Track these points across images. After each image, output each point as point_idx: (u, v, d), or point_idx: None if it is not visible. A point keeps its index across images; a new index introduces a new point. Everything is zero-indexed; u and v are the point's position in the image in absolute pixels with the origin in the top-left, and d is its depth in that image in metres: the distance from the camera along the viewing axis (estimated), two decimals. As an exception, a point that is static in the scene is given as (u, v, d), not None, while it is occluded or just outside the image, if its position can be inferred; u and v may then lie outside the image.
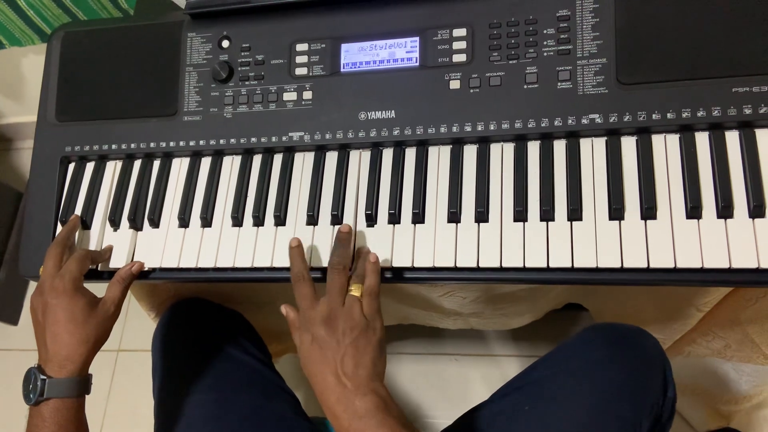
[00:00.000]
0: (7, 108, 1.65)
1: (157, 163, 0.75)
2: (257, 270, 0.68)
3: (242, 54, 0.73)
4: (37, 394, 0.62)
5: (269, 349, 0.94)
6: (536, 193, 0.62)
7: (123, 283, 0.69)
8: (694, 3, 0.61)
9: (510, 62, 0.65)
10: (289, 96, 0.71)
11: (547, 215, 0.61)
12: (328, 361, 0.57)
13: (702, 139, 0.60)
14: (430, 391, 1.28)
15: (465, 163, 0.65)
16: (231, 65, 0.73)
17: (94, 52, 0.77)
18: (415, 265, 0.63)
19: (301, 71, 0.71)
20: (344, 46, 0.70)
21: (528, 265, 0.60)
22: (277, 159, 0.71)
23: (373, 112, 0.68)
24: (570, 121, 0.62)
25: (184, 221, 0.71)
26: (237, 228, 0.70)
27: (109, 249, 0.72)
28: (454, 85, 0.66)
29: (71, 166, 0.78)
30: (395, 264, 0.64)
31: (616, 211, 0.59)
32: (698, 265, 0.56)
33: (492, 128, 0.64)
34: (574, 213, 0.60)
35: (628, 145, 0.62)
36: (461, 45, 0.67)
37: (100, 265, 0.71)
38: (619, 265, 0.58)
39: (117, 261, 0.72)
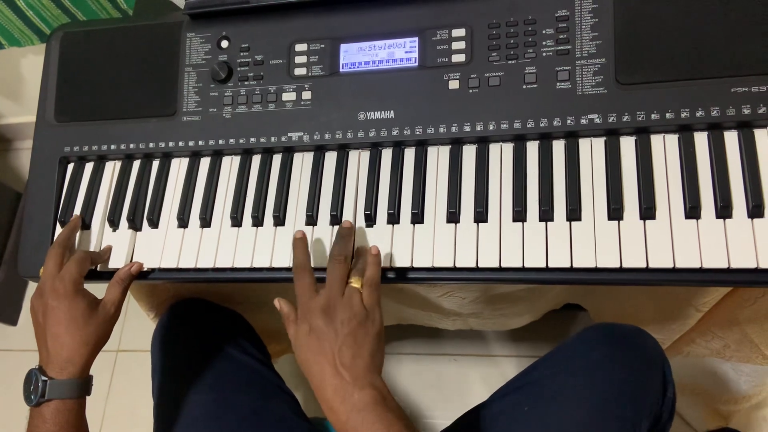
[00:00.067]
0: (6, 108, 1.65)
1: (156, 164, 0.75)
2: (256, 270, 0.68)
3: (241, 54, 0.73)
4: (38, 395, 0.62)
5: (268, 350, 0.94)
6: (535, 193, 0.62)
7: (122, 284, 0.69)
8: (693, 3, 0.61)
9: (509, 62, 0.65)
10: (288, 96, 0.71)
11: (546, 215, 0.61)
12: (325, 352, 0.56)
13: (701, 140, 0.60)
14: (429, 392, 1.28)
15: (464, 164, 0.65)
16: (230, 65, 0.73)
17: (93, 52, 0.77)
18: (414, 265, 0.63)
19: (300, 71, 0.71)
20: (343, 47, 0.70)
21: (527, 265, 0.60)
22: (276, 159, 0.71)
23: (372, 113, 0.68)
24: (569, 121, 0.62)
25: (183, 221, 0.71)
26: (236, 228, 0.70)
27: (109, 249, 0.72)
28: (453, 85, 0.66)
29: (70, 167, 0.78)
30: (394, 264, 0.64)
31: (615, 211, 0.59)
32: (697, 265, 0.56)
33: (491, 128, 0.64)
34: (573, 213, 0.60)
35: (627, 145, 0.62)
36: (460, 45, 0.67)
37: (99, 265, 0.71)
38: (618, 265, 0.58)
39: (116, 261, 0.72)
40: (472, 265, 0.61)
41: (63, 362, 0.63)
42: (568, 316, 1.25)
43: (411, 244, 0.64)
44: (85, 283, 0.67)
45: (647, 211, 0.59)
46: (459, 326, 1.05)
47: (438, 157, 0.67)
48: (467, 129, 0.65)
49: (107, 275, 0.71)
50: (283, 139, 0.70)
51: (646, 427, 0.64)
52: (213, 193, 0.72)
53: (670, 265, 0.57)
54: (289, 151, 0.71)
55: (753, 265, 0.55)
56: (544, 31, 0.64)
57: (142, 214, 0.73)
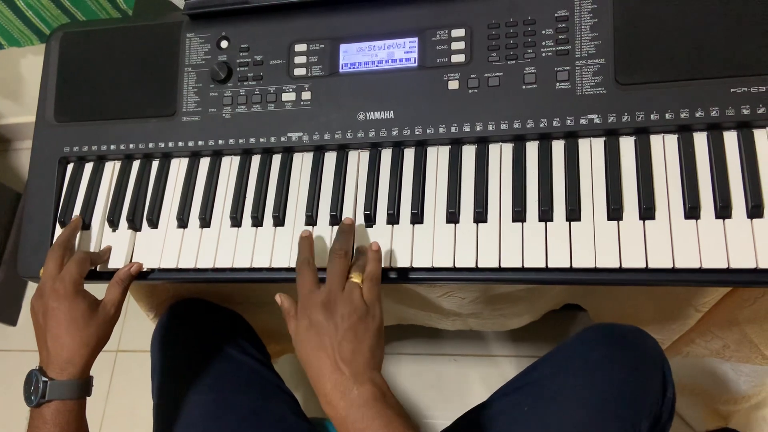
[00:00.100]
0: (5, 108, 1.65)
1: (155, 164, 0.75)
2: (256, 270, 0.68)
3: (241, 54, 0.73)
4: (39, 395, 0.62)
5: (268, 350, 0.94)
6: (535, 194, 0.62)
7: (122, 285, 0.69)
8: (693, 3, 0.61)
9: (508, 63, 0.65)
10: (288, 96, 0.71)
11: (545, 215, 0.61)
12: (324, 347, 0.55)
13: (700, 140, 0.60)
14: (429, 392, 1.28)
15: (464, 164, 0.65)
16: (230, 65, 0.73)
17: (93, 52, 0.77)
18: (414, 265, 0.63)
19: (299, 72, 0.71)
20: (343, 47, 0.70)
21: (527, 265, 0.60)
22: (276, 159, 0.71)
23: (372, 113, 0.68)
24: (568, 122, 0.62)
25: (182, 222, 0.71)
26: (236, 228, 0.70)
27: (108, 250, 0.72)
28: (453, 85, 0.66)
29: (70, 167, 0.78)
30: (394, 265, 0.64)
31: (615, 212, 0.59)
32: (696, 266, 0.56)
33: (491, 128, 0.64)
34: (573, 213, 0.60)
35: (627, 146, 0.62)
36: (460, 45, 0.67)
37: (99, 265, 0.71)
38: (617, 266, 0.58)
39: (116, 262, 0.72)
40: (472, 265, 0.61)
41: (63, 363, 0.63)
42: (568, 316, 1.25)
43: (410, 244, 0.64)
44: (84, 284, 0.67)
45: (647, 212, 0.59)
46: (459, 326, 1.05)
47: (437, 158, 0.67)
48: (467, 129, 0.65)
49: (107, 275, 0.71)
50: (282, 139, 0.70)
51: (645, 427, 0.64)
52: (212, 193, 0.72)
53: (669, 266, 0.57)
54: (288, 152, 0.71)
55: (752, 266, 0.55)
56: (543, 32, 0.64)
57: (142, 214, 0.73)
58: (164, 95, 0.74)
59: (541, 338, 1.26)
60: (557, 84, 0.63)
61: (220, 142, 0.72)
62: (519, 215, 0.62)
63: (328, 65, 0.70)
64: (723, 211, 0.57)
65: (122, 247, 0.72)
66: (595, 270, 0.59)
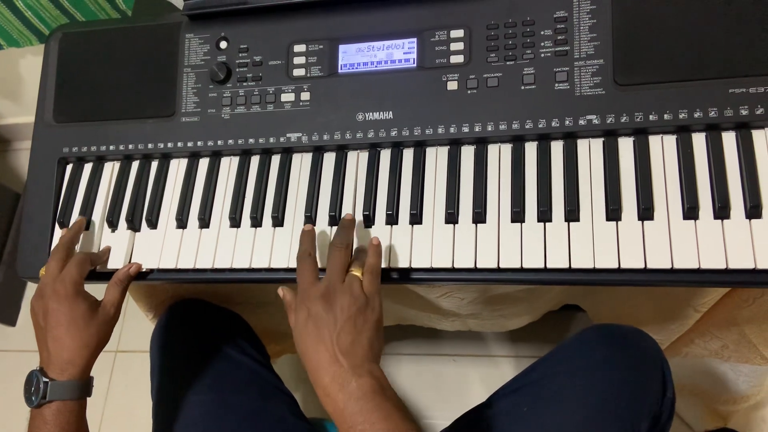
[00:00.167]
0: (4, 109, 1.65)
1: (155, 164, 0.75)
2: (255, 271, 0.68)
3: (240, 55, 0.73)
4: (40, 396, 0.62)
5: (267, 350, 0.94)
6: (533, 194, 0.62)
7: (121, 285, 0.69)
8: (691, 4, 0.61)
9: (507, 63, 0.65)
10: (287, 97, 0.71)
11: (544, 216, 0.61)
12: (323, 338, 0.55)
13: (699, 140, 0.60)
14: (428, 392, 1.28)
15: (462, 164, 0.66)
16: (229, 66, 0.73)
17: (92, 53, 0.77)
18: (413, 265, 0.63)
19: (298, 72, 0.71)
20: (342, 47, 0.70)
21: (525, 265, 0.60)
22: (275, 160, 0.71)
23: (371, 113, 0.68)
24: (567, 122, 0.62)
25: (181, 222, 0.71)
26: (235, 229, 0.70)
27: (108, 250, 0.72)
28: (452, 86, 0.66)
29: (69, 167, 0.78)
30: (393, 265, 0.64)
31: (613, 212, 0.59)
32: (695, 266, 0.56)
33: (489, 129, 0.64)
34: (572, 214, 0.60)
35: (626, 146, 0.62)
36: (459, 46, 0.67)
37: (98, 266, 0.71)
38: (616, 266, 0.58)
39: (115, 262, 0.72)
40: (471, 265, 0.62)
41: (64, 364, 0.63)
42: (567, 316, 1.25)
43: (409, 244, 0.64)
44: (84, 284, 0.67)
45: (645, 212, 0.59)
46: (458, 327, 1.05)
47: (436, 158, 0.67)
48: (466, 130, 0.65)
49: (106, 276, 0.71)
50: (281, 139, 0.70)
51: (645, 427, 0.64)
52: (212, 193, 0.72)
53: (668, 266, 0.57)
54: (287, 152, 0.71)
55: (751, 266, 0.55)
56: (542, 32, 0.64)
57: (141, 214, 0.73)
58: (163, 96, 0.74)
59: (540, 339, 1.26)
60: (556, 85, 0.63)
61: (219, 142, 0.72)
62: (518, 216, 0.62)
63: (327, 66, 0.70)
64: (721, 211, 0.57)
65: (121, 247, 0.72)
66: (594, 270, 0.59)
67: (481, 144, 0.66)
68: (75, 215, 0.75)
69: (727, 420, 1.04)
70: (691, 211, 0.58)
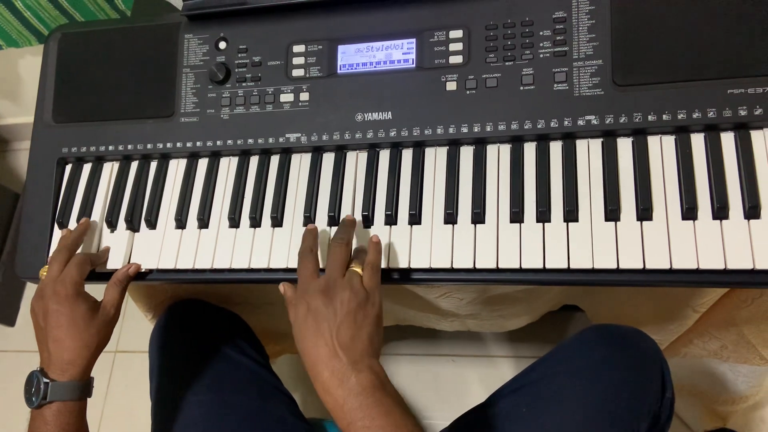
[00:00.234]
0: (4, 109, 1.65)
1: (154, 165, 0.75)
2: (254, 271, 0.68)
3: (239, 55, 0.73)
4: (40, 397, 0.62)
5: (266, 351, 0.94)
6: (532, 195, 0.62)
7: (120, 286, 0.69)
8: (690, 5, 0.61)
9: (506, 64, 0.65)
10: (286, 97, 0.71)
11: (543, 216, 0.61)
12: (322, 333, 0.54)
13: (697, 141, 0.60)
14: (427, 393, 1.28)
15: (461, 165, 0.66)
16: (228, 66, 0.73)
17: (91, 53, 0.77)
18: (412, 266, 0.63)
19: (297, 73, 0.71)
20: (341, 48, 0.70)
21: (524, 266, 0.60)
22: (274, 160, 0.71)
23: (370, 114, 0.68)
24: (566, 123, 0.62)
25: (181, 222, 0.71)
26: (234, 229, 0.70)
27: (107, 250, 0.72)
28: (451, 86, 0.66)
29: (68, 168, 0.78)
30: (392, 265, 0.64)
31: (612, 213, 0.59)
32: (694, 266, 0.57)
33: (488, 129, 0.64)
34: (570, 214, 0.61)
35: (624, 147, 0.62)
36: (458, 46, 0.67)
37: (97, 266, 0.71)
38: (615, 266, 0.58)
39: (114, 262, 0.72)
40: (470, 266, 0.62)
41: (64, 364, 0.63)
42: (566, 317, 1.25)
43: (408, 245, 0.64)
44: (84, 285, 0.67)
45: (644, 212, 0.59)
46: (457, 327, 1.05)
47: (435, 158, 0.67)
48: (464, 130, 0.65)
49: (105, 276, 0.71)
50: (280, 140, 0.70)
51: (644, 427, 0.64)
52: (211, 194, 0.72)
53: (667, 266, 0.57)
54: (286, 152, 0.71)
55: (749, 266, 0.55)
56: (541, 33, 0.65)
57: (140, 215, 0.73)
58: (162, 96, 0.74)
59: (539, 339, 1.26)
60: (555, 85, 0.63)
61: (218, 142, 0.72)
62: (517, 216, 0.62)
63: (326, 66, 0.70)
64: (720, 212, 0.57)
65: (120, 247, 0.72)
66: (593, 271, 0.59)
67: (480, 144, 0.66)
68: (74, 215, 0.75)
69: (726, 420, 1.04)
70: (689, 212, 0.58)
